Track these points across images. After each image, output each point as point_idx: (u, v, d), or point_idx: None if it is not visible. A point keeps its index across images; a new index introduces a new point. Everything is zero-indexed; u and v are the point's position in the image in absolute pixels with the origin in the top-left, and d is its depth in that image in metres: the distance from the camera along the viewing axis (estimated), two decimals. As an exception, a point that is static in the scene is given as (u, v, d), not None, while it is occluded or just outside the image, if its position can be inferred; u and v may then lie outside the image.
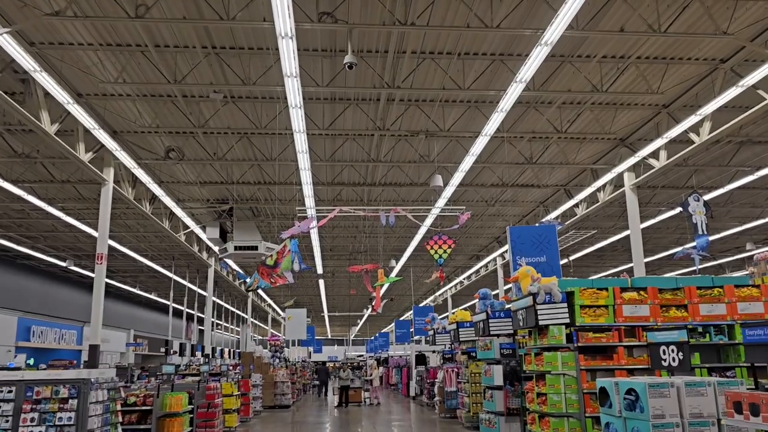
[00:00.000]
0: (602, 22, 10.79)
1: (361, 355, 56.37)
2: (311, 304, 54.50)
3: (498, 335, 13.87)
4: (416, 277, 36.46)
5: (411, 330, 39.42)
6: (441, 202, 19.38)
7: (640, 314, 9.97)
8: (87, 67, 11.66)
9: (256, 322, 57.98)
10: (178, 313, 43.82)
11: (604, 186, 17.97)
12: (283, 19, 8.94)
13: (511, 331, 13.58)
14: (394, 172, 18.35)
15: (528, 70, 11.02)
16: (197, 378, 13.88)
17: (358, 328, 74.98)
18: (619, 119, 14.85)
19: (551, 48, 10.17)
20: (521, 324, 10.72)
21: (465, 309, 18.83)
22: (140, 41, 11.11)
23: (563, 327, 9.93)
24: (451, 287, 41.00)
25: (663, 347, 7.77)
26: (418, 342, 37.21)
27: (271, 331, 50.32)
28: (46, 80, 10.70)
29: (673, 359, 7.36)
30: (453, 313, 17.14)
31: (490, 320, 13.52)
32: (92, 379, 8.12)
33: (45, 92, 11.80)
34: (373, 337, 59.59)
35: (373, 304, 17.00)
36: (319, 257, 29.75)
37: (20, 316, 31.31)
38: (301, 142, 13.83)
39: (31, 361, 30.22)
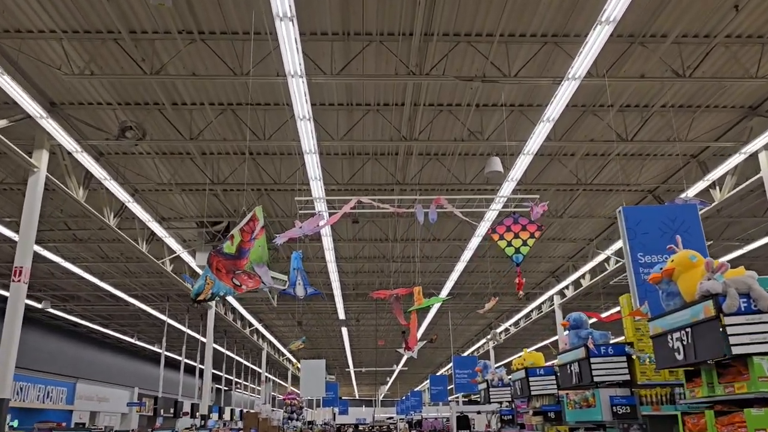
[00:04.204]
0: None
1: (391, 417, 50.48)
2: (336, 360, 49.26)
3: (599, 384, 8.98)
4: (455, 324, 31.35)
5: (450, 387, 33.98)
6: (498, 202, 14.69)
7: None
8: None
9: (275, 379, 52.75)
10: (190, 369, 39.12)
11: (723, 178, 13.07)
12: None
13: (627, 377, 8.68)
14: (432, 167, 13.82)
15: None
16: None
17: (387, 386, 68.89)
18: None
19: None
20: (680, 356, 5.86)
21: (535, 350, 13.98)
22: None
23: (780, 361, 5.11)
24: (491, 339, 35.56)
25: None
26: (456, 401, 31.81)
27: (291, 388, 45.04)
28: None
29: None
30: (519, 356, 12.18)
31: (591, 359, 8.66)
32: None
33: None
34: (404, 397, 53.73)
35: (407, 340, 12.18)
36: (340, 299, 25.07)
37: (-7, 369, 26.83)
38: (296, 86, 9.47)
39: (15, 423, 25.78)
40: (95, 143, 11.68)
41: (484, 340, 34.29)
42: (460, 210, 10.24)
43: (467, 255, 18.89)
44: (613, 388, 8.68)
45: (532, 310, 27.78)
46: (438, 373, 44.96)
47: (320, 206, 12.63)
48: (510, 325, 31.88)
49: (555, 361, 11.73)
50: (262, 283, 6.35)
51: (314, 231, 9.95)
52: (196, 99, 11.21)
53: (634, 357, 8.49)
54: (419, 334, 29.25)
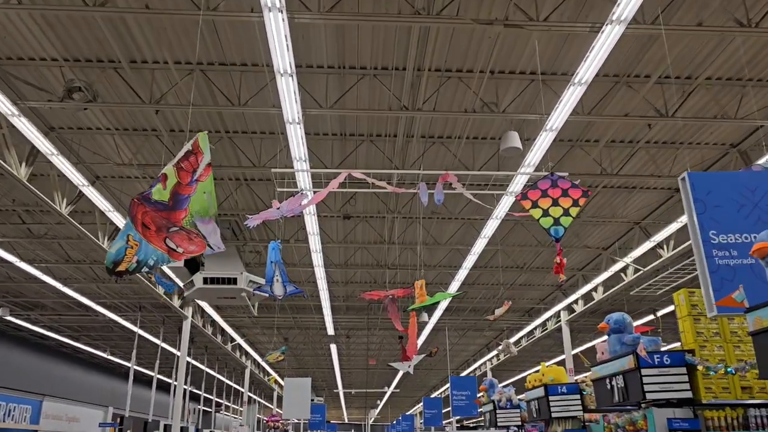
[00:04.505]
0: None
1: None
2: (324, 380, 46.93)
3: (650, 403, 7.07)
4: (450, 343, 29.29)
5: (446, 410, 31.84)
6: (518, 183, 12.90)
7: None
8: None
9: (260, 400, 50.22)
10: (167, 387, 36.66)
11: None
12: None
13: (688, 394, 6.81)
14: (436, 150, 12.06)
15: None
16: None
17: (378, 410, 66.29)
18: None
19: None
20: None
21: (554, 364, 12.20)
22: None
23: None
24: (491, 358, 33.52)
25: None
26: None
27: (276, 410, 42.59)
28: None
29: None
30: (535, 371, 10.22)
31: (642, 371, 6.80)
32: None
33: None
34: (394, 421, 51.23)
35: (405, 347, 10.23)
36: (328, 312, 23.06)
37: (-57, 382, 24.58)
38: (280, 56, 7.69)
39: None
40: (36, 104, 9.78)
41: (493, 353, 32.04)
42: (471, 192, 8.48)
43: (470, 261, 17.02)
44: (671, 409, 6.82)
45: (535, 328, 25.83)
46: (431, 396, 42.73)
47: (303, 182, 10.77)
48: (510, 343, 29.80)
49: (587, 375, 9.84)
50: (208, 246, 4.46)
51: (295, 213, 8.14)
52: (159, 56, 9.41)
53: (699, 368, 6.63)
54: (422, 338, 27.16)
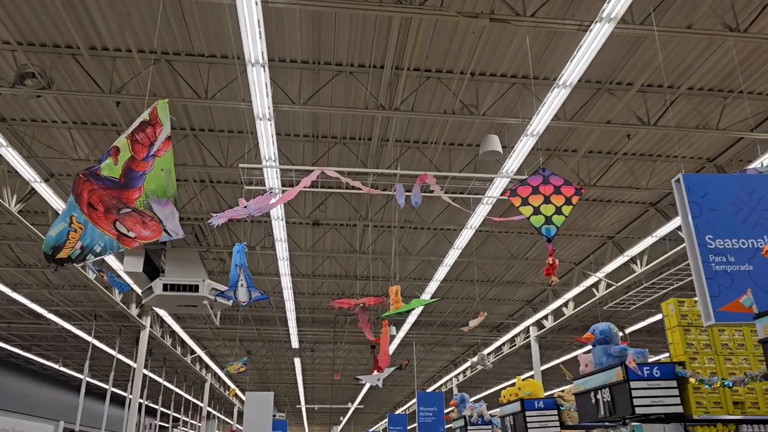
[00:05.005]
0: None
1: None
2: (287, 395, 45.88)
3: (637, 418, 6.67)
4: (418, 357, 28.79)
5: (411, 426, 31.23)
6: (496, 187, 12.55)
7: None
8: None
9: (220, 415, 48.74)
10: (122, 400, 35.16)
11: None
12: None
13: (679, 409, 6.43)
14: (411, 155, 11.64)
15: None
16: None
17: (341, 427, 65.14)
18: None
19: None
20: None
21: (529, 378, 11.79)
22: None
23: None
24: (458, 374, 33.09)
25: None
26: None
27: (236, 426, 41.27)
28: None
29: None
30: (510, 384, 9.77)
31: (631, 384, 6.40)
32: None
33: None
34: (358, 439, 50.25)
35: (377, 358, 9.68)
36: (293, 324, 22.36)
37: None
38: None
39: None
40: (-18, 90, 9.05)
41: (462, 368, 31.51)
42: (448, 196, 8.07)
43: (442, 273, 16.61)
44: (660, 424, 6.44)
45: (503, 344, 25.49)
46: (396, 412, 42.02)
47: (272, 182, 10.21)
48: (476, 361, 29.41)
49: (566, 388, 9.45)
50: (165, 231, 3.90)
51: (263, 212, 7.57)
52: (121, 43, 8.80)
53: (692, 380, 6.26)
54: (394, 345, 26.54)
